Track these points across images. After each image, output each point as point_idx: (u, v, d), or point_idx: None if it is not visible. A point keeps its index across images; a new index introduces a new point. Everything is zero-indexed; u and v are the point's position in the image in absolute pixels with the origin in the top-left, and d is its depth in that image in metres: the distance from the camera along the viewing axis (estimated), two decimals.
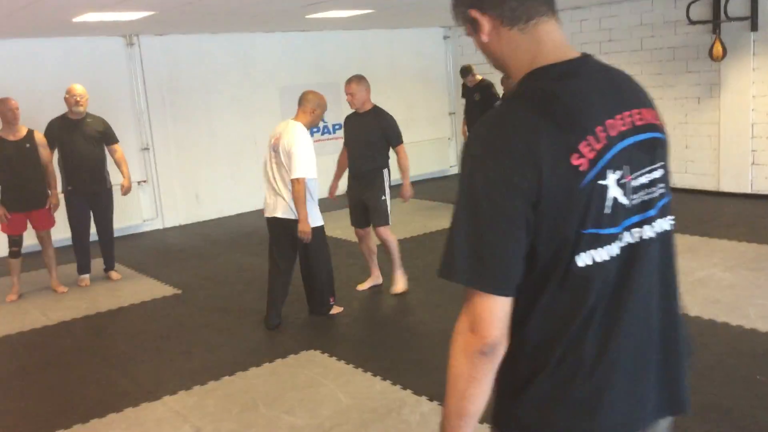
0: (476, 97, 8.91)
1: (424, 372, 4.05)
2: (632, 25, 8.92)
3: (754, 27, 7.67)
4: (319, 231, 4.96)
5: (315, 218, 4.91)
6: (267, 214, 5.02)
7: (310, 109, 4.96)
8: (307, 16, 7.70)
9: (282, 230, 4.94)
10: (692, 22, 7.97)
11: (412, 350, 4.42)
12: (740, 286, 5.05)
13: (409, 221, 8.08)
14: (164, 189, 8.96)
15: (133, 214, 8.65)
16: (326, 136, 10.35)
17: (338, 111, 10.32)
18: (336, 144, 10.37)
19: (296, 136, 4.76)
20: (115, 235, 8.20)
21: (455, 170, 11.68)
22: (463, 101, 9.30)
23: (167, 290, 6.15)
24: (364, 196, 5.58)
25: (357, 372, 4.12)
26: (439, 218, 8.26)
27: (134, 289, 6.27)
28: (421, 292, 5.61)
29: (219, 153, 9.37)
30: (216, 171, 9.36)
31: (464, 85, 9.11)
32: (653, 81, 8.83)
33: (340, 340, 4.71)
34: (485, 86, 8.80)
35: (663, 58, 8.68)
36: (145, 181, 8.80)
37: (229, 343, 4.80)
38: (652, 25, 8.70)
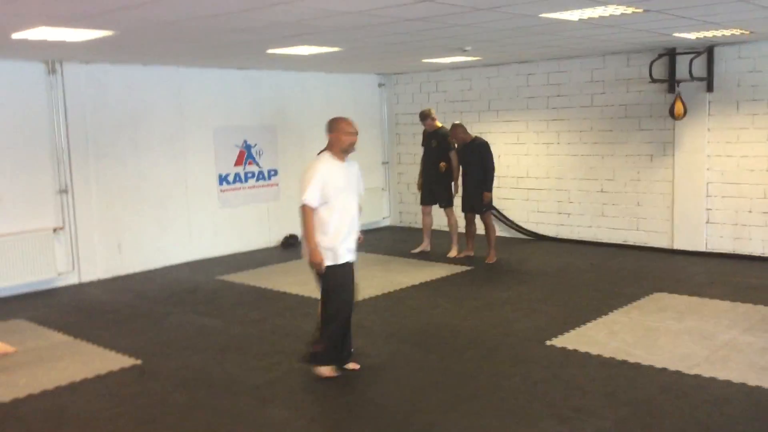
0: (433, 144, 8.52)
1: None
2: (582, 82, 8.97)
3: (710, 88, 7.88)
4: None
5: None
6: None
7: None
8: (268, 51, 7.00)
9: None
10: (654, 81, 8.08)
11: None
12: None
13: (372, 276, 7.44)
14: (83, 237, 7.74)
15: (46, 266, 7.38)
16: (261, 182, 9.53)
17: (273, 156, 9.61)
18: (271, 191, 9.60)
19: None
20: (24, 291, 7.11)
21: (387, 222, 11.20)
22: (421, 150, 8.84)
23: (123, 360, 5.10)
24: None
25: None
26: (400, 273, 7.68)
27: (79, 359, 5.15)
28: (437, 359, 4.98)
29: (146, 197, 8.30)
30: (142, 217, 8.27)
31: (424, 132, 8.69)
32: (603, 138, 8.88)
33: (371, 415, 3.96)
34: (444, 134, 8.44)
35: (614, 115, 8.75)
36: (61, 228, 7.56)
37: (242, 429, 3.91)
38: (604, 82, 8.79)
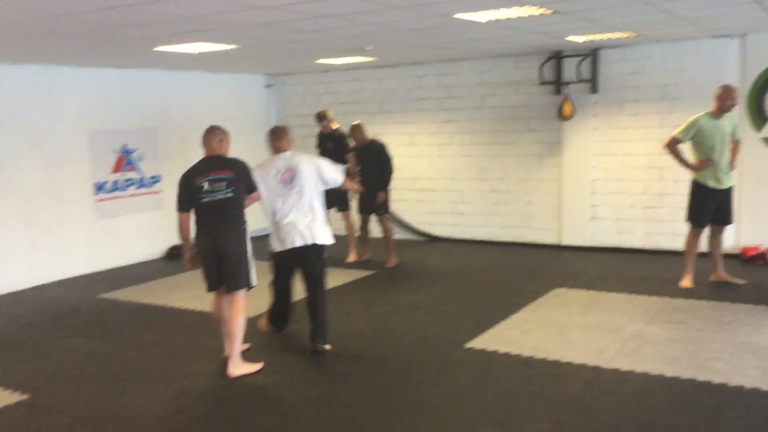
0: (330, 146, 8.29)
1: None
2: (473, 84, 9.09)
3: (594, 89, 8.21)
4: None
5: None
6: (299, 244, 5.02)
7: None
8: (156, 48, 6.50)
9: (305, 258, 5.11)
10: (542, 83, 8.32)
11: None
12: (682, 341, 5.07)
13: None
14: None
15: None
16: (142, 190, 8.90)
17: (155, 161, 9.02)
18: (153, 199, 8.98)
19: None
20: None
21: None
22: (315, 153, 8.56)
23: (5, 396, 4.50)
24: None
25: None
26: (299, 281, 7.37)
27: None
28: (359, 371, 4.78)
29: (13, 210, 7.49)
30: (9, 233, 7.45)
31: (320, 133, 8.43)
32: (494, 138, 9.05)
33: None
34: (340, 135, 8.24)
35: (504, 117, 8.94)
36: None
37: None
38: (494, 84, 8.95)
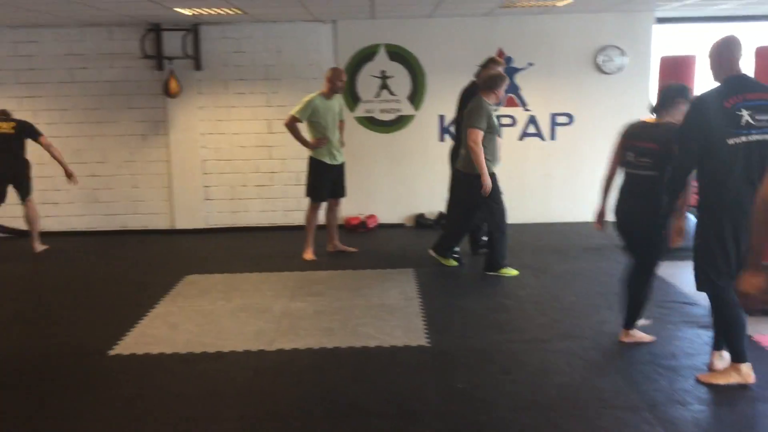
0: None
1: None
2: (59, 54, 7.98)
3: (198, 67, 7.95)
4: None
5: None
6: None
7: None
8: None
9: None
10: (144, 57, 7.71)
11: None
12: (328, 312, 5.25)
13: None
14: None
15: None
16: None
17: None
18: None
19: None
20: None
21: None
22: None
23: None
24: None
25: None
26: None
27: None
28: None
29: None
30: None
31: None
32: (90, 117, 8.16)
33: None
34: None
35: (100, 93, 8.07)
36: None
37: None
38: (85, 56, 7.99)
